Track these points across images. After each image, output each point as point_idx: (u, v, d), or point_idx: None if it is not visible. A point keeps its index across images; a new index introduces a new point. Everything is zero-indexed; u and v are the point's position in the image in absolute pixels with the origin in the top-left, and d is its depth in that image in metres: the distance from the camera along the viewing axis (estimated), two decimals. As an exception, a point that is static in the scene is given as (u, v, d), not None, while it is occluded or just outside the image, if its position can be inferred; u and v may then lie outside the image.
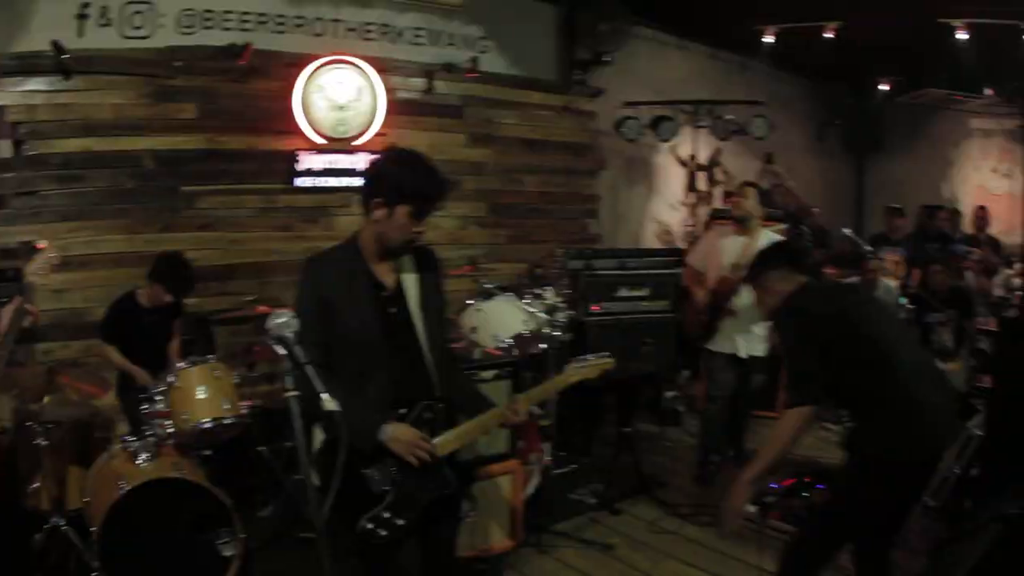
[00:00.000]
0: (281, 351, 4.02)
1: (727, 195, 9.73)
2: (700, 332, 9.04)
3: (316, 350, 4.31)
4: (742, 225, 8.90)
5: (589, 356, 5.44)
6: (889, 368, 5.25)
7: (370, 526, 4.55)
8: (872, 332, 5.40)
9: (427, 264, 5.02)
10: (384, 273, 4.80)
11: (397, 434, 4.56)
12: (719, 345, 8.97)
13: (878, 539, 5.57)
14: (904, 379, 5.23)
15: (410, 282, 4.89)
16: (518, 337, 8.59)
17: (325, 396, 3.85)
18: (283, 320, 3.94)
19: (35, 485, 6.95)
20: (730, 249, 8.71)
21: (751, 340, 8.84)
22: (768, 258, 5.96)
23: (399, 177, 4.60)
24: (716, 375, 9.11)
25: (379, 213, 4.60)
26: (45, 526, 6.63)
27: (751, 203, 8.91)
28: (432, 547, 5.11)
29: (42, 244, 5.42)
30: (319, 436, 4.73)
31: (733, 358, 8.95)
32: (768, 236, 8.74)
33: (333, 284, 4.64)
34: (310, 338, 4.30)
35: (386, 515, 4.59)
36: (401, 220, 4.59)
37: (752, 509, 7.38)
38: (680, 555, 7.59)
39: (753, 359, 8.96)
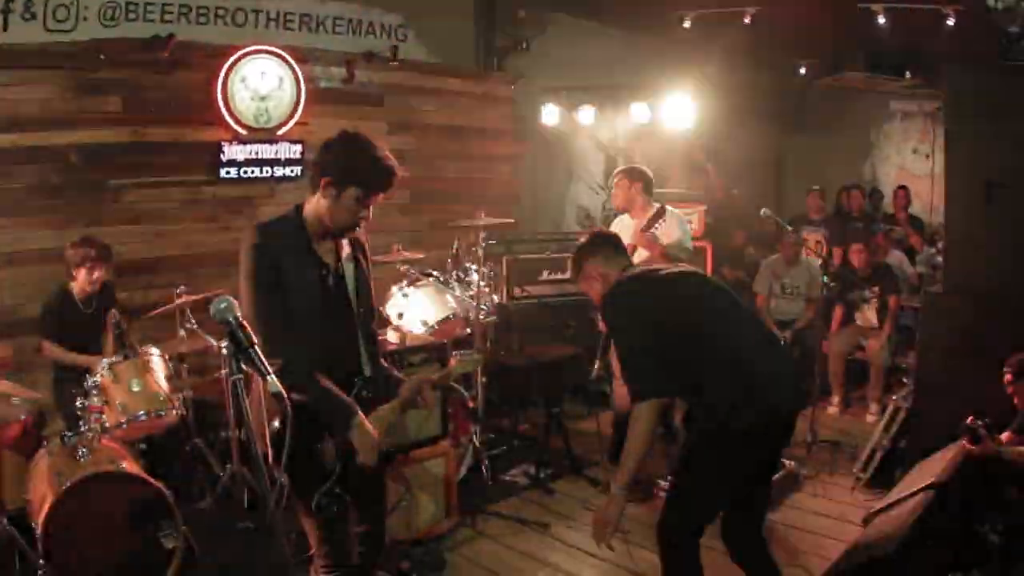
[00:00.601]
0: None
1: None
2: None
3: (281, 320, 4.62)
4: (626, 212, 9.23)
5: (468, 351, 6.13)
6: (714, 343, 5.47)
7: (325, 501, 4.78)
8: (695, 308, 5.64)
9: (358, 248, 5.24)
10: (325, 252, 4.97)
11: (365, 431, 4.72)
12: None
13: (739, 513, 5.76)
14: (730, 352, 5.46)
15: (345, 263, 5.10)
16: (444, 321, 9.03)
17: (271, 378, 3.87)
18: (225, 304, 3.96)
19: None
20: (623, 232, 8.54)
21: None
22: (589, 246, 6.04)
23: (351, 160, 4.75)
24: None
25: (327, 193, 4.75)
26: None
27: (621, 194, 9.24)
28: (373, 523, 5.39)
29: None
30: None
31: None
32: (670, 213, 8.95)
33: (283, 250, 4.76)
34: (276, 306, 4.65)
35: (337, 490, 4.81)
36: (348, 203, 4.76)
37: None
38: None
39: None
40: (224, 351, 4.02)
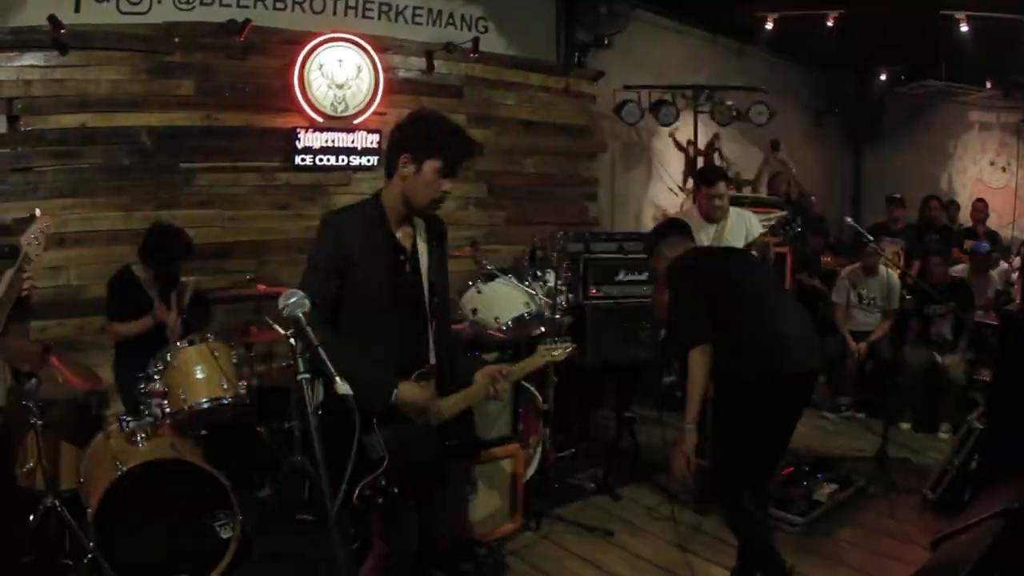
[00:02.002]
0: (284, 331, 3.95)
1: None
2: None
3: (326, 306, 4.42)
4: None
5: (556, 340, 5.46)
6: (749, 306, 6.09)
7: (368, 492, 4.53)
8: (738, 279, 6.33)
9: (438, 234, 5.03)
10: (403, 237, 4.80)
11: (409, 395, 4.59)
12: None
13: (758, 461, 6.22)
14: (763, 315, 6.06)
15: (422, 249, 4.89)
16: (519, 319, 8.47)
17: (339, 380, 3.71)
18: (295, 299, 3.80)
19: (29, 465, 6.75)
20: (704, 237, 8.42)
21: None
22: (664, 232, 6.83)
23: (428, 132, 4.59)
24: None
25: (406, 170, 4.58)
26: (39, 507, 6.45)
27: (726, 201, 8.80)
28: (427, 518, 5.18)
29: (37, 212, 5.22)
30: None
31: None
32: (743, 216, 8.87)
33: (355, 241, 4.61)
34: (324, 291, 4.45)
35: (383, 482, 4.56)
36: (429, 177, 4.56)
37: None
38: (680, 541, 7.44)
39: None
40: (291, 341, 3.90)
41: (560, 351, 5.39)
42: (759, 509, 6.22)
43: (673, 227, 6.90)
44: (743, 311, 6.07)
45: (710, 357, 5.92)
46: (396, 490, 4.62)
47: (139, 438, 6.56)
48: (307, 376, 3.78)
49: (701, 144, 13.93)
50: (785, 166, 14.66)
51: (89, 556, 6.04)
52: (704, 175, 9.01)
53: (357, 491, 4.50)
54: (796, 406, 6.24)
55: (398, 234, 4.79)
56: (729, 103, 13.25)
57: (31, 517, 6.45)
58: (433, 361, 4.93)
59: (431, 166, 4.54)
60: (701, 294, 6.09)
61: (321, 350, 3.75)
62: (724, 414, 6.18)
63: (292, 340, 3.84)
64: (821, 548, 7.25)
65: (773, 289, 6.67)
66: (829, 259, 13.48)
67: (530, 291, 8.78)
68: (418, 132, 4.62)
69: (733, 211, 8.70)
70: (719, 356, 5.98)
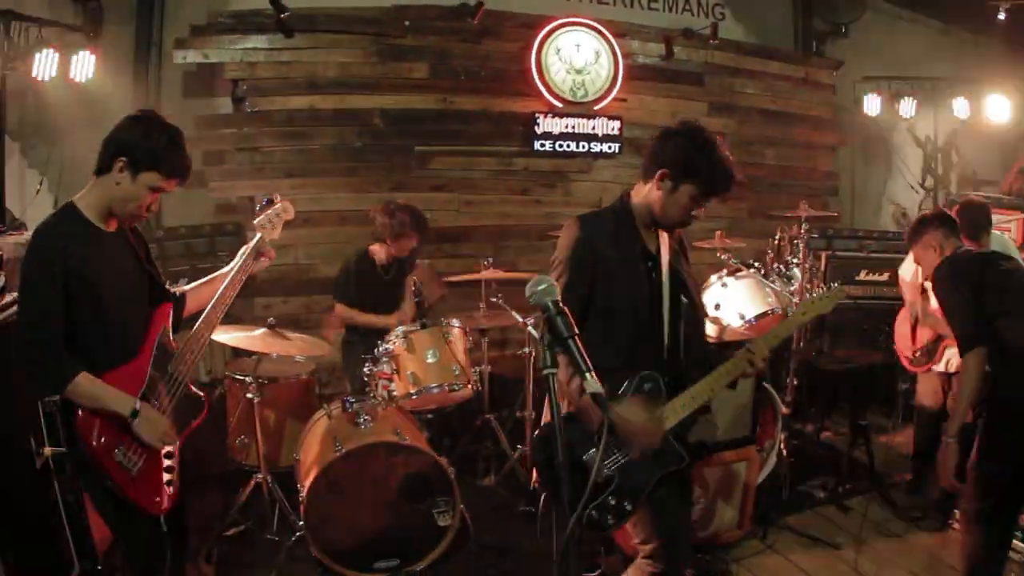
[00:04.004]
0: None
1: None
2: (918, 359, 7.59)
3: (578, 304, 3.91)
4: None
5: (819, 290, 4.86)
6: (1016, 334, 5.11)
7: (595, 514, 4.09)
8: (1011, 298, 5.24)
9: (679, 243, 4.57)
10: (648, 238, 4.35)
11: (627, 416, 4.04)
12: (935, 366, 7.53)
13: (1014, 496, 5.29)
14: None
15: (664, 254, 4.40)
16: (762, 316, 7.70)
17: (589, 376, 3.06)
18: (544, 286, 3.18)
19: (243, 439, 6.62)
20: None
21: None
22: (936, 218, 5.83)
23: (693, 157, 4.04)
24: (924, 396, 7.67)
25: (662, 185, 4.12)
26: (251, 481, 6.34)
27: None
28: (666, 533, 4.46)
29: (278, 198, 4.76)
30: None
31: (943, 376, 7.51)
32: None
33: (604, 244, 4.20)
34: (576, 291, 4.05)
35: (612, 501, 4.12)
36: (683, 200, 4.10)
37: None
38: (906, 563, 6.53)
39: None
40: (530, 330, 4.08)
41: (829, 300, 4.57)
42: (1002, 547, 5.43)
43: (946, 218, 5.85)
44: (1016, 339, 5.10)
45: (983, 364, 5.06)
46: (629, 507, 4.14)
47: (363, 420, 6.10)
48: (554, 371, 3.12)
49: (940, 140, 12.54)
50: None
51: (297, 534, 5.82)
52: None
53: (585, 515, 4.03)
54: None
55: (646, 238, 4.33)
56: (966, 97, 11.79)
57: (241, 490, 6.38)
58: (670, 364, 4.35)
59: (688, 190, 4.06)
60: (971, 300, 5.20)
61: (575, 342, 3.14)
62: (991, 441, 5.18)
63: (532, 329, 3.81)
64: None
65: None
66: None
67: (775, 287, 8.03)
68: (685, 152, 4.07)
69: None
70: (995, 377, 5.13)
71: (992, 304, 5.12)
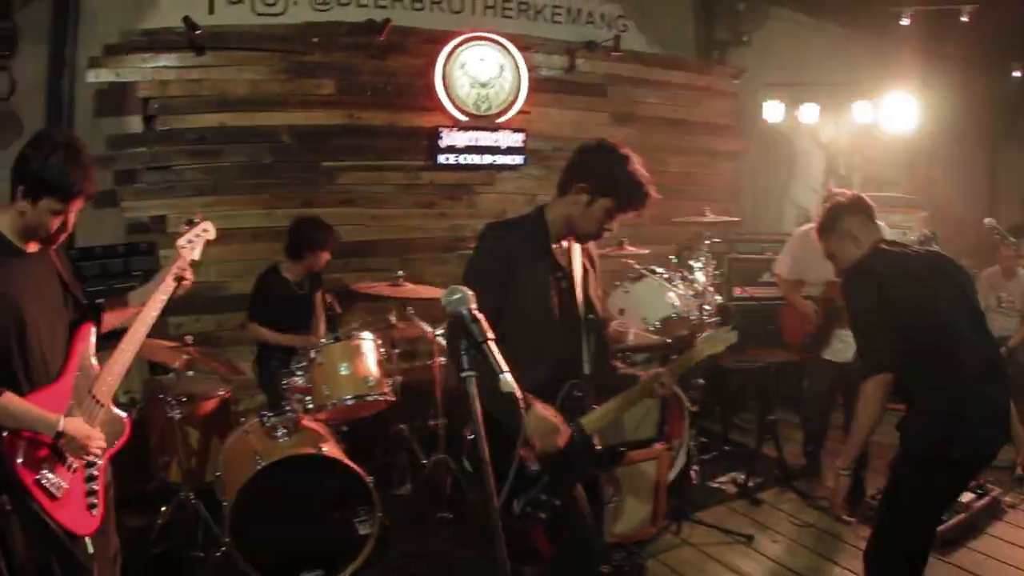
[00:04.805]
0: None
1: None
2: (806, 344, 8.21)
3: (492, 314, 3.81)
4: None
5: (715, 331, 5.01)
6: (940, 356, 4.84)
7: (529, 508, 4.36)
8: (932, 311, 4.91)
9: (587, 255, 4.87)
10: (559, 252, 4.65)
11: (540, 417, 4.27)
12: (827, 353, 8.11)
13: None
14: (954, 370, 4.79)
15: (576, 265, 4.72)
16: (666, 320, 8.23)
17: (504, 377, 3.32)
18: (459, 296, 3.47)
19: (165, 458, 6.90)
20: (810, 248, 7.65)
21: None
22: (852, 205, 5.37)
23: (612, 173, 4.41)
24: (815, 378, 8.41)
25: (578, 199, 4.43)
26: (174, 499, 6.59)
27: None
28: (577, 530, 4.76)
29: (199, 218, 4.99)
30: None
31: (832, 363, 8.07)
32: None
33: (515, 253, 4.47)
34: (489, 301, 3.87)
35: (543, 496, 4.38)
36: (598, 213, 4.44)
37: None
38: (820, 550, 7.10)
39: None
40: (440, 340, 4.19)
41: (722, 341, 4.85)
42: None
43: (863, 205, 5.42)
44: (941, 361, 4.85)
45: (886, 392, 4.82)
46: (559, 502, 4.40)
47: (280, 433, 6.43)
48: (471, 373, 3.39)
49: (842, 144, 13.21)
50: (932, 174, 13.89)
51: (222, 549, 6.01)
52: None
53: (519, 509, 4.37)
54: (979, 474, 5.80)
55: (556, 251, 4.63)
56: (868, 101, 12.42)
57: (164, 508, 6.61)
58: (587, 372, 4.74)
59: (604, 204, 4.42)
60: (885, 312, 4.87)
61: (489, 345, 3.40)
62: (907, 492, 4.95)
63: (442, 338, 3.99)
64: (957, 558, 6.85)
65: (979, 328, 5.09)
66: (967, 260, 12.61)
67: (678, 291, 8.48)
68: (604, 168, 4.44)
69: None
70: (907, 422, 4.97)
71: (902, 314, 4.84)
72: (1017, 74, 14.42)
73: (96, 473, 4.16)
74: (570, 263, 4.68)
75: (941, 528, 6.63)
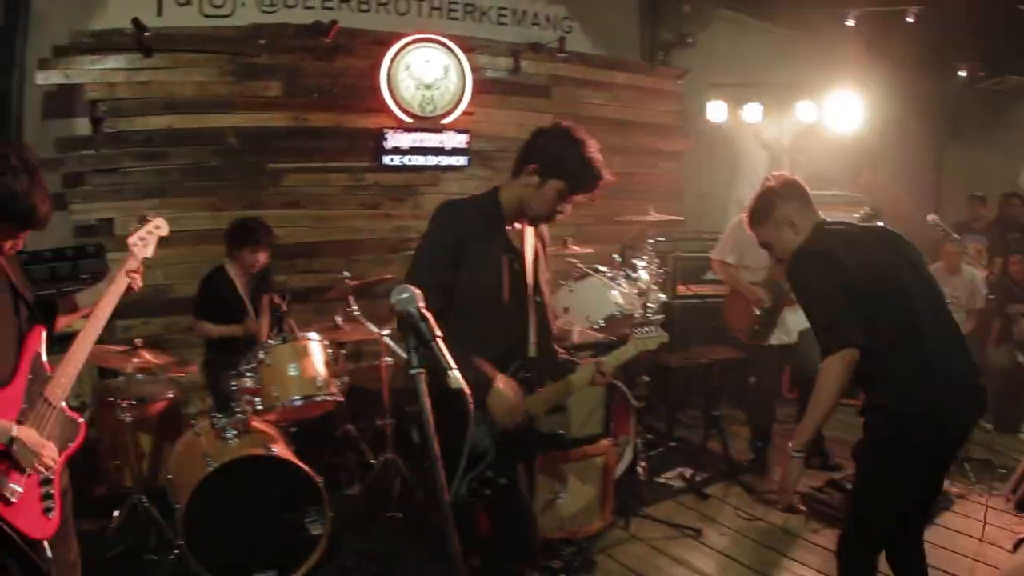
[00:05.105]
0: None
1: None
2: (755, 331, 8.44)
3: (439, 295, 4.16)
4: None
5: (649, 329, 4.99)
6: (904, 334, 4.60)
7: (475, 485, 4.45)
8: (893, 289, 4.69)
9: (540, 238, 4.93)
10: (513, 234, 4.68)
11: (501, 394, 4.39)
12: (773, 338, 8.41)
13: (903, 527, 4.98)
14: (919, 349, 4.59)
15: (528, 247, 4.76)
16: (610, 318, 8.38)
17: (454, 373, 3.34)
18: (407, 295, 3.43)
19: (116, 462, 6.87)
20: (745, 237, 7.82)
21: (800, 320, 7.78)
22: (786, 189, 5.07)
23: (563, 154, 4.43)
24: (763, 368, 8.74)
25: (530, 180, 4.48)
26: (126, 502, 6.57)
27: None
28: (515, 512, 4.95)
29: (151, 215, 5.10)
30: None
31: (781, 347, 8.43)
32: None
33: (471, 231, 4.51)
34: (437, 279, 4.28)
35: (489, 474, 4.49)
36: (549, 195, 4.48)
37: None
38: (767, 542, 7.27)
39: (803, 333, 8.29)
40: (387, 341, 4.34)
41: (653, 340, 4.93)
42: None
43: (798, 189, 5.12)
44: (904, 340, 4.61)
45: (848, 371, 4.48)
46: (504, 480, 4.54)
47: (230, 435, 6.42)
48: (420, 370, 3.38)
49: (785, 143, 13.42)
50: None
51: (176, 552, 6.02)
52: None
53: (465, 485, 4.41)
54: (956, 456, 5.46)
55: (510, 231, 4.66)
56: (812, 101, 12.64)
57: (117, 513, 6.59)
58: (533, 355, 4.78)
59: (554, 186, 4.44)
60: (843, 291, 4.57)
61: (438, 344, 3.39)
62: (875, 477, 4.79)
63: (387, 338, 3.86)
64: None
65: (937, 305, 4.90)
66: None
67: (622, 290, 8.62)
68: (554, 150, 4.47)
69: None
70: (870, 408, 4.75)
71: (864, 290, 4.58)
72: (962, 74, 14.64)
73: (52, 476, 4.09)
74: (523, 245, 4.75)
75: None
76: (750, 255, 8.19)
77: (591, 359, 4.88)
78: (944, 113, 15.95)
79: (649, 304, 8.42)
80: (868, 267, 4.64)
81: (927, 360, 4.55)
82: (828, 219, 5.03)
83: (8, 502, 3.89)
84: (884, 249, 4.85)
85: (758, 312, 8.29)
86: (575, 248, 8.96)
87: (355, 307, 8.01)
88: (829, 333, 4.54)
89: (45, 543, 4.11)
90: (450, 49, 10.17)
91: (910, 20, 11.82)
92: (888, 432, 4.60)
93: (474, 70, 10.38)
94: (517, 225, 4.71)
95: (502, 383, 4.41)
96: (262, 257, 7.78)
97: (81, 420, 4.40)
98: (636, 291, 8.64)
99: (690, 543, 7.27)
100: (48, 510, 4.12)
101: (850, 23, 12.28)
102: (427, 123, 10.12)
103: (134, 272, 4.64)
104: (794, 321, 8.19)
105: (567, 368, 4.90)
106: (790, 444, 4.70)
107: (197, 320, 7.76)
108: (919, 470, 4.66)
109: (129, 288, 4.63)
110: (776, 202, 4.99)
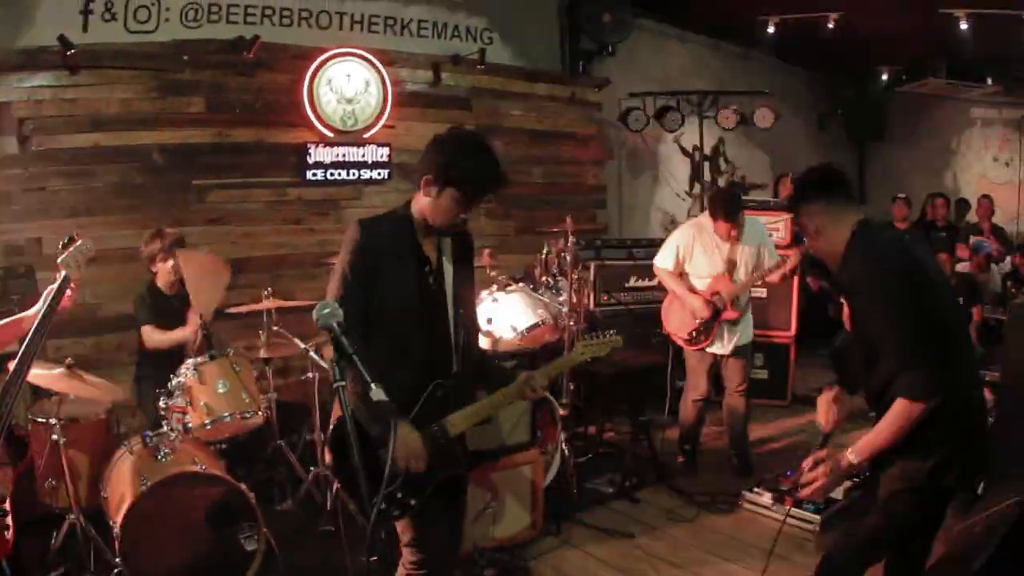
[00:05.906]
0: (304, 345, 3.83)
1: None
2: (692, 336, 8.72)
3: (357, 317, 4.24)
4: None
5: (598, 334, 5.26)
6: (957, 357, 4.17)
7: (383, 505, 4.29)
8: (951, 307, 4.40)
9: (465, 248, 4.92)
10: (428, 248, 4.68)
11: (407, 435, 4.40)
12: (710, 346, 8.70)
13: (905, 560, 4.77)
14: (963, 380, 4.19)
15: (447, 261, 4.77)
16: (533, 328, 8.49)
17: (374, 387, 3.61)
18: (329, 310, 3.75)
19: (52, 482, 6.73)
20: (716, 246, 8.45)
21: (736, 332, 8.61)
22: (826, 178, 4.70)
23: (454, 162, 4.42)
24: (695, 377, 8.92)
25: (429, 191, 4.47)
26: (63, 523, 6.52)
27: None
28: (453, 525, 5.07)
29: (79, 235, 5.26)
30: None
31: (713, 356, 8.76)
32: (752, 223, 8.66)
33: (384, 250, 4.53)
34: (355, 303, 4.29)
35: (399, 495, 4.48)
36: (446, 203, 4.46)
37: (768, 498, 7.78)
38: (699, 543, 7.43)
39: (737, 348, 8.67)
40: (313, 355, 4.47)
41: (603, 346, 5.21)
42: None
43: (839, 179, 4.76)
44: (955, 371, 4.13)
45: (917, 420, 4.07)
46: (413, 502, 4.55)
47: (163, 453, 6.49)
48: (343, 384, 3.72)
49: (707, 149, 13.96)
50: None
51: (115, 570, 6.02)
52: (727, 210, 8.25)
53: (374, 507, 4.16)
54: None
55: (424, 245, 4.68)
56: (732, 107, 13.23)
57: (55, 533, 6.53)
58: (457, 368, 4.82)
59: (451, 194, 4.44)
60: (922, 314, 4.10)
61: (356, 359, 3.69)
62: (886, 516, 4.39)
63: (313, 353, 3.60)
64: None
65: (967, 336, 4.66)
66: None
67: (544, 299, 8.83)
68: (443, 158, 4.47)
69: (747, 219, 8.53)
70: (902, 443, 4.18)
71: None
72: (884, 77, 15.21)
73: (4, 494, 4.32)
74: (441, 257, 4.76)
75: (824, 514, 7.28)
76: (697, 263, 8.52)
77: (524, 373, 4.91)
78: (867, 116, 16.38)
79: (572, 313, 8.66)
80: (936, 290, 4.28)
81: (970, 396, 4.29)
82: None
83: None
84: (937, 266, 4.61)
85: (697, 320, 8.52)
86: (495, 259, 9.11)
87: (278, 324, 8.17)
88: (911, 378, 4.03)
89: (3, 561, 4.42)
90: (371, 63, 10.47)
91: (831, 26, 12.22)
92: (921, 479, 4.20)
93: (395, 83, 10.67)
94: (434, 240, 4.71)
95: (406, 429, 4.40)
96: (173, 264, 7.84)
97: (26, 439, 4.82)
98: (559, 300, 8.98)
99: (623, 547, 7.46)
100: (4, 528, 4.37)
101: (770, 30, 12.66)
102: (349, 137, 10.39)
103: (67, 293, 4.91)
104: (732, 333, 8.57)
105: (507, 376, 4.97)
106: (850, 452, 4.23)
107: (146, 325, 7.76)
108: (936, 514, 4.52)
109: (61, 306, 4.87)
110: (832, 187, 4.64)
